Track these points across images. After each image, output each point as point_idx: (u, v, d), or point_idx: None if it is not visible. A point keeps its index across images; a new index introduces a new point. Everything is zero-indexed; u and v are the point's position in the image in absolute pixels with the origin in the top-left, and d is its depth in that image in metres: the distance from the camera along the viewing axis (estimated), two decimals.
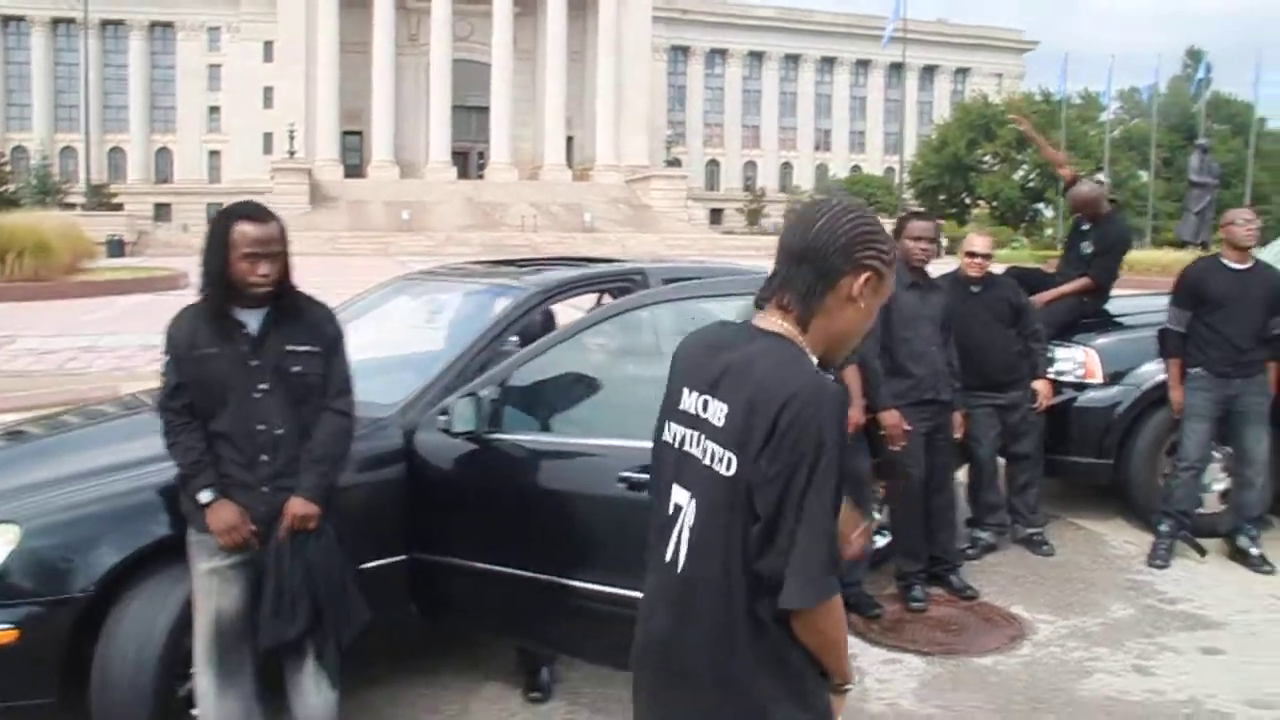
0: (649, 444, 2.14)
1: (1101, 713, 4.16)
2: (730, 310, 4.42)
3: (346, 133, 74.89)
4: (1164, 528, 6.06)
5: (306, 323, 3.53)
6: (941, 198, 67.61)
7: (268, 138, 75.22)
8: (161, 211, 78.62)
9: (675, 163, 75.18)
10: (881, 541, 5.65)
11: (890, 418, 5.22)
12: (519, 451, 3.98)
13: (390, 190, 66.77)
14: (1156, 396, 6.37)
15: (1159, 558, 5.98)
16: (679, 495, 1.99)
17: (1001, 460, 6.36)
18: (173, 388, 3.44)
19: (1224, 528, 6.16)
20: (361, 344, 5.14)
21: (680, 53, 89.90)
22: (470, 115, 76.06)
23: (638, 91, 77.43)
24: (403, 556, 4.06)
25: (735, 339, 1.97)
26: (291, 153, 66.23)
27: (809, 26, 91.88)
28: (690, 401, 1.99)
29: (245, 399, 3.41)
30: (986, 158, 67.07)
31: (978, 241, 6.15)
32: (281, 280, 3.44)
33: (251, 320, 3.44)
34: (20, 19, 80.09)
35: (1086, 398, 6.55)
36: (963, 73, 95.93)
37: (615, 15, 75.79)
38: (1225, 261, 6.06)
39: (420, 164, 73.02)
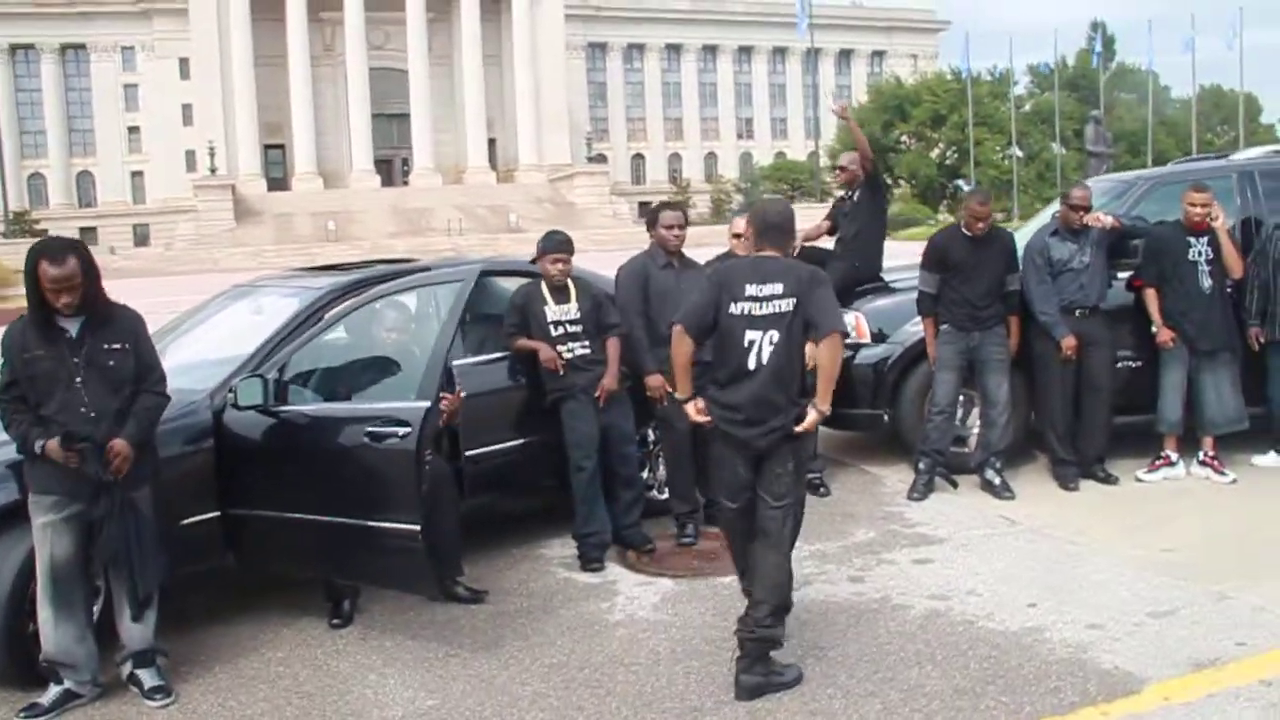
0: (385, 404, 4.37)
1: (803, 609, 4.99)
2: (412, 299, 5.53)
3: (269, 146, 74.80)
4: (921, 465, 6.95)
5: (117, 325, 4.47)
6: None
7: (190, 155, 74.84)
8: (87, 235, 77.61)
9: (600, 159, 75.99)
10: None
11: (653, 380, 6.06)
12: (295, 419, 4.96)
13: (315, 201, 66.89)
14: (917, 352, 7.27)
15: (916, 491, 6.87)
16: (751, 335, 4.18)
17: None
18: (6, 384, 4.35)
19: (974, 462, 7.05)
20: (190, 343, 6.03)
21: (598, 50, 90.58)
22: (391, 123, 76.29)
23: (556, 91, 78.04)
24: (217, 513, 4.99)
25: (764, 263, 4.28)
26: (213, 170, 66.18)
27: (725, 17, 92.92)
28: (753, 290, 4.19)
29: (69, 389, 4.30)
30: (903, 138, 68.48)
31: (740, 223, 6.87)
32: (86, 300, 4.33)
33: (71, 326, 4.36)
34: None
35: (859, 356, 7.42)
36: (879, 55, 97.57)
37: (528, 17, 76.26)
38: (965, 231, 6.94)
39: (344, 174, 73.16)
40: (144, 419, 4.42)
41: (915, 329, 7.27)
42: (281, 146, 75.33)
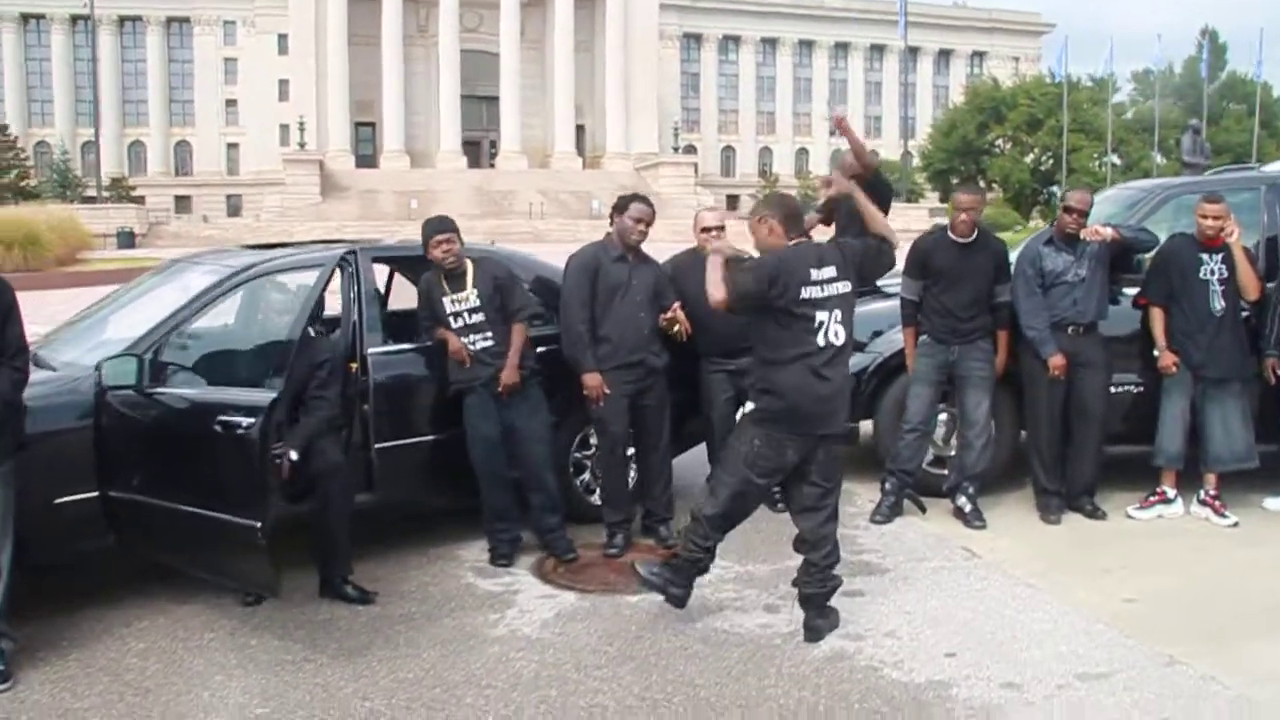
0: (235, 393, 4.29)
1: (700, 641, 4.54)
2: (298, 280, 5.16)
3: (360, 124, 75.86)
4: (888, 485, 6.41)
5: None
6: (954, 181, 67.37)
7: (284, 129, 76.14)
8: (182, 203, 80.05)
9: (690, 149, 75.50)
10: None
11: (591, 379, 5.63)
12: (156, 402, 4.67)
13: (401, 180, 67.50)
14: (896, 363, 6.72)
15: (880, 513, 6.33)
16: (820, 316, 4.35)
17: None
18: None
19: (946, 486, 6.49)
20: (112, 318, 5.77)
21: (693, 40, 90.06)
22: (481, 105, 76.72)
23: (646, 80, 77.74)
24: (95, 493, 4.71)
25: (815, 248, 4.52)
26: (302, 144, 67.19)
27: (822, 12, 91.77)
28: (816, 274, 4.36)
29: None
30: (997, 141, 66.77)
31: (708, 217, 6.42)
32: None
33: None
34: (40, 17, 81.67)
35: None
36: (979, 56, 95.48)
37: (622, 4, 76.14)
38: (951, 236, 6.38)
39: (432, 153, 73.79)
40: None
41: (897, 337, 6.73)
42: (372, 124, 76.29)
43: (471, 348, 5.50)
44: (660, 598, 4.82)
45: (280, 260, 5.53)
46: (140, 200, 66.76)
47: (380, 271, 6.30)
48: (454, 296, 5.54)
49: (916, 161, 69.61)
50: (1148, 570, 5.52)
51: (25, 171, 69.00)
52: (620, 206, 5.95)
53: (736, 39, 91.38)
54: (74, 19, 78.40)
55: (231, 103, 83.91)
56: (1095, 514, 6.37)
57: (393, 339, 5.82)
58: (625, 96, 76.54)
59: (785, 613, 4.85)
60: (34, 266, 26.86)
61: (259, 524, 4.12)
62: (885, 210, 7.62)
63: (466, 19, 74.66)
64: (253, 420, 4.18)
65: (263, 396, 4.26)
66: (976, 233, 6.37)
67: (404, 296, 6.44)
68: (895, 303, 6.75)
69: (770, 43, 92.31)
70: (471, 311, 5.53)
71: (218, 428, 4.28)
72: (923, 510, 6.41)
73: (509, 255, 6.40)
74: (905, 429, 6.39)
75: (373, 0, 72.69)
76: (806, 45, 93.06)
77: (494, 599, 5.13)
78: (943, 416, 6.74)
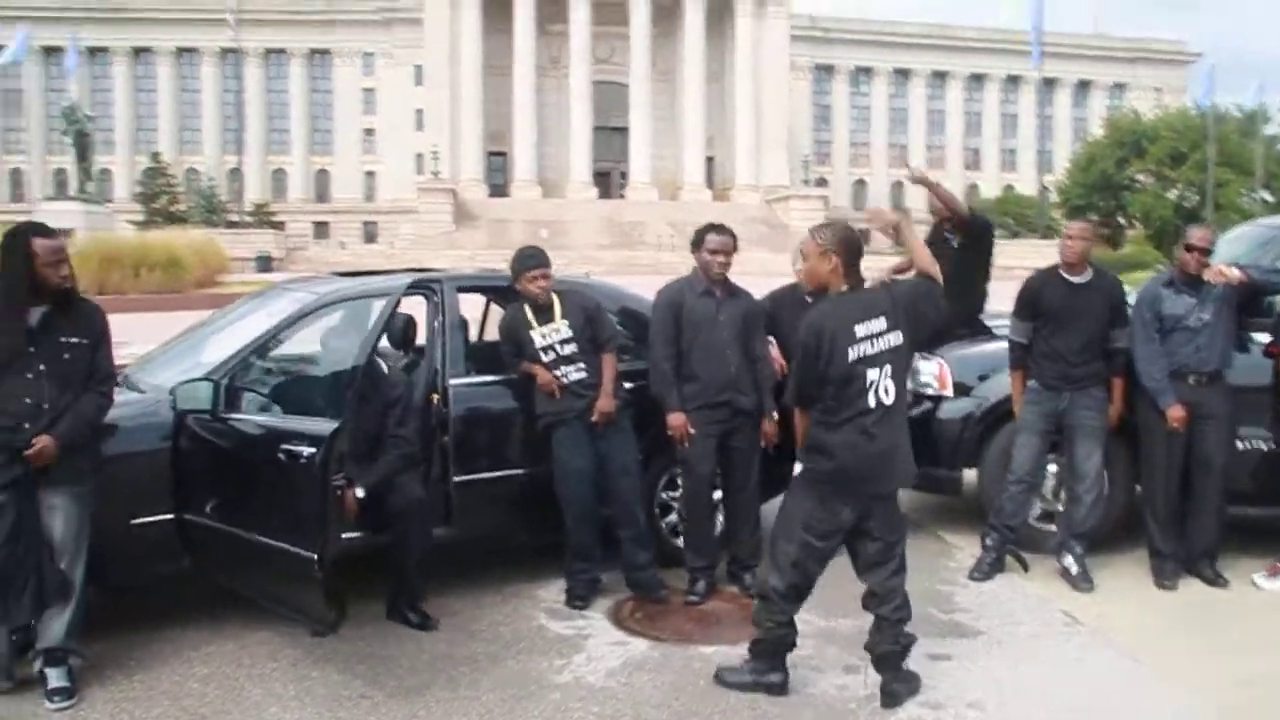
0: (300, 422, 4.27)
1: (771, 701, 4.30)
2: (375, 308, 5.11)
3: (492, 153, 77.33)
4: (989, 541, 6.05)
5: (78, 319, 4.32)
6: (1093, 217, 65.24)
7: (419, 158, 78.12)
8: (320, 229, 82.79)
9: (821, 182, 74.89)
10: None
11: (675, 419, 5.46)
12: (228, 428, 4.66)
13: (532, 209, 68.52)
14: (1004, 409, 6.36)
15: (978, 570, 5.98)
16: (871, 375, 4.08)
17: None
18: None
19: (1054, 544, 6.09)
20: (205, 340, 5.85)
21: (825, 71, 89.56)
22: (612, 136, 77.46)
23: (777, 112, 77.49)
24: (170, 515, 4.73)
25: (866, 295, 4.20)
26: (435, 173, 68.83)
27: (956, 43, 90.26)
28: (863, 329, 4.08)
29: (19, 378, 4.16)
30: (1138, 176, 64.43)
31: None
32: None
33: (33, 316, 4.23)
34: (193, 50, 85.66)
35: (941, 410, 6.58)
36: (1119, 87, 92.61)
37: (753, 36, 76.14)
38: (1063, 274, 6.02)
39: (563, 184, 74.74)
40: (82, 418, 4.27)
41: (1004, 382, 6.37)
42: (504, 154, 77.71)
43: (564, 380, 5.39)
44: (734, 651, 4.62)
45: (352, 288, 5.52)
46: (281, 226, 69.29)
47: (469, 301, 6.25)
48: (543, 330, 5.44)
49: (1054, 197, 67.58)
50: (1270, 649, 5.04)
51: (175, 197, 72.55)
52: (697, 241, 5.78)
53: (868, 70, 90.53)
54: (224, 52, 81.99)
55: (369, 132, 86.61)
56: (1216, 581, 5.89)
57: (477, 370, 5.75)
58: (756, 128, 76.42)
59: (864, 674, 4.57)
60: (175, 288, 27.99)
61: (315, 555, 4.05)
62: (987, 254, 7.30)
63: (598, 50, 75.66)
64: (314, 450, 4.13)
65: (325, 426, 4.21)
66: (1091, 272, 6.01)
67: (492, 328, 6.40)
68: (1004, 344, 6.42)
69: (903, 74, 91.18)
70: (563, 343, 5.43)
71: (281, 456, 4.25)
72: (1025, 568, 6.04)
73: (596, 286, 6.29)
74: (1010, 480, 6.03)
75: (505, 32, 74.21)
76: (939, 76, 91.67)
77: (563, 643, 4.97)
78: (1051, 468, 6.35)
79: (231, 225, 60.37)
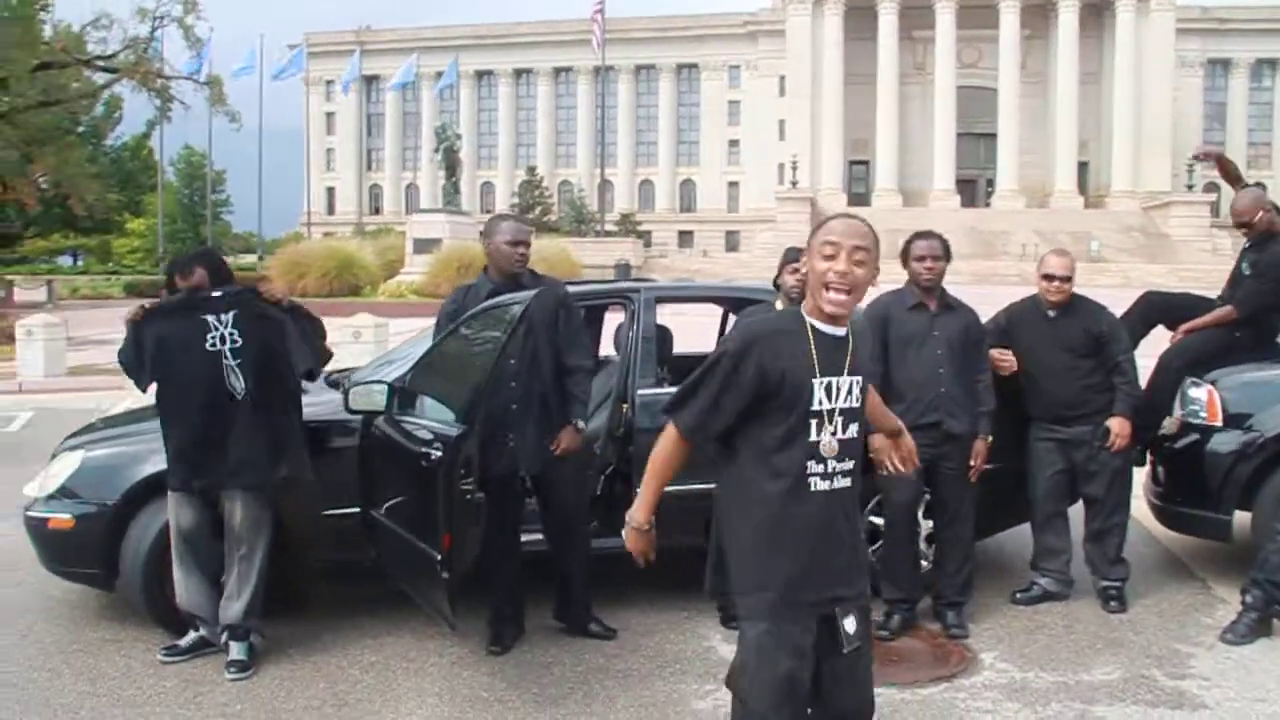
0: (446, 426, 4.33)
1: None
2: None
3: (853, 162, 76.72)
4: (1249, 599, 5.25)
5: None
6: None
7: (781, 168, 78.71)
8: (684, 238, 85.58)
9: (1211, 187, 68.23)
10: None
11: (875, 441, 5.04)
12: (391, 428, 4.80)
13: (891, 219, 66.93)
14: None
15: (1233, 631, 5.20)
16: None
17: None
18: None
19: None
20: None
21: (1219, 66, 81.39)
22: (977, 142, 74.75)
23: (1159, 112, 71.63)
24: (356, 509, 5.03)
25: None
26: (794, 183, 69.13)
27: None
28: None
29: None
30: None
31: (1054, 263, 5.65)
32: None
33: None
34: (568, 69, 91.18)
35: (1210, 443, 5.74)
36: None
37: (1133, 33, 70.83)
38: None
39: (925, 192, 72.89)
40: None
41: None
42: (865, 162, 76.88)
43: None
44: (912, 697, 4.34)
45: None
46: (646, 235, 72.28)
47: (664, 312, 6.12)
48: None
49: None
50: None
51: (548, 208, 77.58)
52: (904, 252, 5.36)
53: (1272, 62, 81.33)
54: (596, 70, 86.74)
55: (734, 143, 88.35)
56: None
57: (670, 382, 5.63)
58: (1134, 131, 71.08)
59: None
60: None
61: (439, 556, 4.09)
62: None
63: (964, 54, 73.16)
64: (440, 453, 4.17)
65: (451, 432, 4.24)
66: None
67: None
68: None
69: None
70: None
71: (422, 458, 4.32)
72: None
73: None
74: (1279, 529, 5.15)
75: (868, 40, 73.35)
76: None
77: (721, 667, 4.74)
78: None
79: (598, 235, 63.70)
